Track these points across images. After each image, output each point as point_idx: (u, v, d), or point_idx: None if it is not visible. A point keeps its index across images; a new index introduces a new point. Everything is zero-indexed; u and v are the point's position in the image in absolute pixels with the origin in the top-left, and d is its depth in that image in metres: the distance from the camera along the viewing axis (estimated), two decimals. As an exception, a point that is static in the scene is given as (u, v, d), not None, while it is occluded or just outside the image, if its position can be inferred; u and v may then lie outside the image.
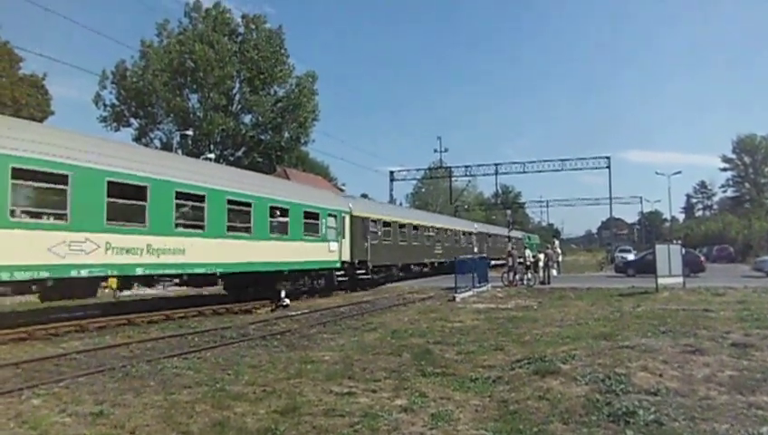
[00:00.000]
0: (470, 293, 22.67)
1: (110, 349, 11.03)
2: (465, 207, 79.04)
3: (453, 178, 68.05)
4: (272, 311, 18.45)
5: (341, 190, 57.46)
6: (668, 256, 23.06)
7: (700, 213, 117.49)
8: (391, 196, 64.81)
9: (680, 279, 22.93)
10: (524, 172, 61.43)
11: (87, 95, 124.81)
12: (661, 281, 21.87)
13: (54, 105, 45.41)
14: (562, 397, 6.81)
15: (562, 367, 8.30)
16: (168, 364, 9.28)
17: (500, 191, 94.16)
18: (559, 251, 39.06)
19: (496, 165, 61.41)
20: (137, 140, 50.77)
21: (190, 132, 46.98)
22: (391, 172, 65.58)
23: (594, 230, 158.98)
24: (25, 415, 6.40)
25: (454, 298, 20.68)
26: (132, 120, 51.59)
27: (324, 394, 7.28)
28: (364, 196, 77.05)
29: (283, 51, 52.69)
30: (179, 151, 46.53)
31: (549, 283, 27.87)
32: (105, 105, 50.51)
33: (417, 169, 70.87)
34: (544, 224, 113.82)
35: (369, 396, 7.23)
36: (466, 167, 63.60)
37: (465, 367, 8.88)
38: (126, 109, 50.88)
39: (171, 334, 12.94)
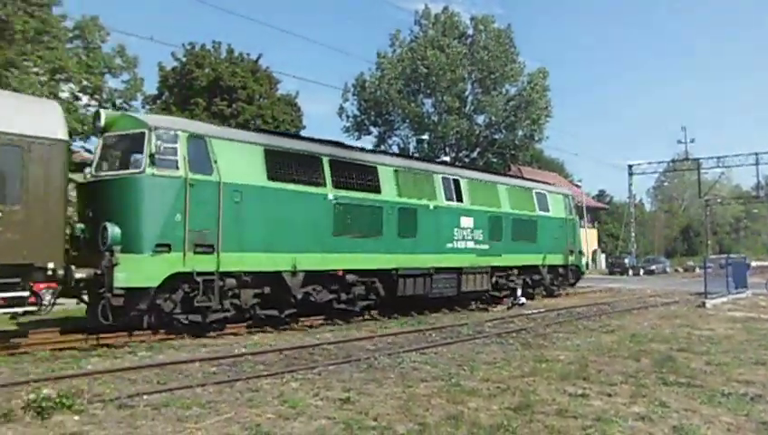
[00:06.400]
0: (724, 299, 20.25)
1: (356, 341, 11.84)
2: (719, 200, 70.45)
3: (702, 171, 60.54)
4: (508, 309, 18.42)
5: (578, 187, 55.22)
6: None
7: None
8: (630, 190, 60.56)
9: None
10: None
11: (332, 108, 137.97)
12: None
13: (305, 120, 50.53)
14: None
15: None
16: (406, 358, 9.69)
17: (763, 183, 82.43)
18: None
19: (756, 154, 52.96)
20: (377, 146, 54.25)
21: (426, 136, 48.80)
22: (630, 166, 60.73)
23: None
24: (286, 395, 7.14)
25: (703, 304, 18.63)
26: (372, 128, 55.26)
27: (558, 394, 7.10)
28: (602, 192, 72.65)
29: (512, 49, 52.21)
30: (416, 155, 48.69)
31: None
32: (348, 116, 54.80)
33: (659, 162, 64.11)
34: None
35: (603, 399, 6.90)
36: (719, 158, 55.92)
37: (716, 380, 8.00)
38: (366, 118, 54.62)
39: (410, 330, 13.50)
